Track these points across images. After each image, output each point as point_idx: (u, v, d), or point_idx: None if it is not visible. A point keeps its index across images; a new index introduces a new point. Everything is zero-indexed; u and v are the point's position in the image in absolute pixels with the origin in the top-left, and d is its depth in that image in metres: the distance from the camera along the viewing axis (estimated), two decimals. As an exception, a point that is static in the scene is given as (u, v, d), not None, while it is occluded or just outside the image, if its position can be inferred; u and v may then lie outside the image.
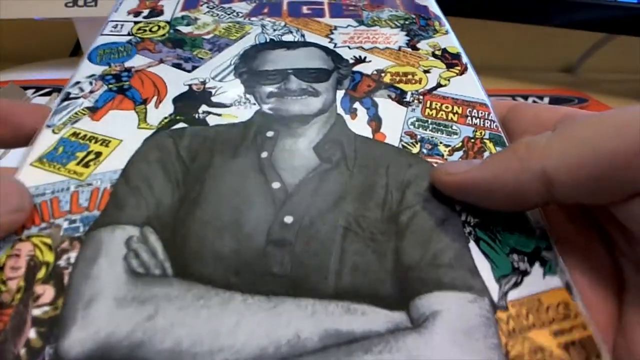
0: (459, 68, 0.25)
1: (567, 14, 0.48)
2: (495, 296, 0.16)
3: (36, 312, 0.15)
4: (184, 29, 0.27)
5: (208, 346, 0.14)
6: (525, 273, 0.17)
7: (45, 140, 0.20)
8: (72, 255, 0.16)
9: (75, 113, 0.21)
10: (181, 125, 0.21)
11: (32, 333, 0.14)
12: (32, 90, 0.45)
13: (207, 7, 0.29)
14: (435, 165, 0.20)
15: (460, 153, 0.20)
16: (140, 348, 0.14)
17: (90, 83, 0.23)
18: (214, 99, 0.22)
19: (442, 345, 0.15)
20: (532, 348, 0.15)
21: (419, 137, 0.21)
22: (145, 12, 0.29)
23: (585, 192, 0.15)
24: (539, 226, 0.18)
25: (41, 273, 0.16)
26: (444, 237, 0.17)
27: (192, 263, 0.16)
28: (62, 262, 0.16)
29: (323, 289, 0.16)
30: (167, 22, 0.28)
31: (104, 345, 0.14)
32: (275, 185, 0.19)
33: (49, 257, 0.16)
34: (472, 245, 0.17)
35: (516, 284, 0.16)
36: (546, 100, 0.54)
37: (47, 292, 0.15)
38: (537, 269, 0.17)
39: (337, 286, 0.16)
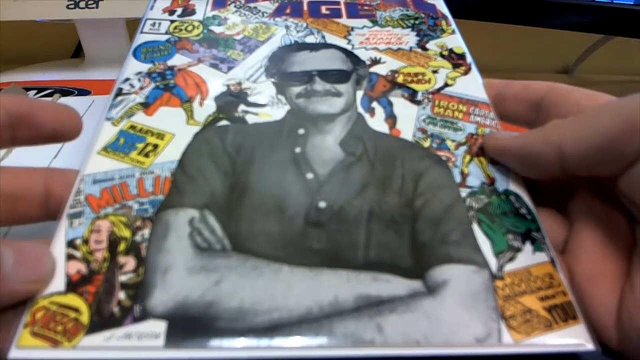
0: (464, 68, 0.28)
1: (564, 16, 0.48)
2: (494, 268, 0.20)
3: (122, 278, 0.18)
4: (216, 29, 0.30)
5: (267, 306, 0.18)
6: (518, 249, 0.20)
7: (107, 132, 0.23)
8: (146, 232, 0.19)
9: (130, 108, 0.24)
10: (224, 122, 0.24)
11: (121, 295, 0.18)
12: (34, 92, 0.46)
13: (235, 6, 0.32)
14: (443, 158, 0.23)
15: (465, 147, 0.24)
16: (211, 307, 0.17)
17: (139, 80, 0.26)
18: (250, 99, 0.25)
19: (451, 306, 0.18)
20: (523, 310, 0.19)
21: (429, 132, 0.24)
22: (179, 10, 0.31)
23: (590, 162, 0.19)
24: (531, 212, 0.22)
25: (122, 246, 0.19)
26: (451, 220, 0.21)
27: (245, 240, 0.19)
28: (138, 238, 0.19)
29: (354, 261, 0.19)
30: (200, 22, 0.30)
31: (182, 304, 0.17)
32: (309, 175, 0.22)
33: (127, 233, 0.19)
34: (475, 226, 0.21)
35: (511, 259, 0.20)
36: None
37: (129, 262, 0.19)
38: (528, 246, 0.20)
39: (366, 259, 0.19)
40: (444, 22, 0.32)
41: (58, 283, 0.18)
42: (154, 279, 0.18)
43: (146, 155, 0.22)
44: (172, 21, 0.30)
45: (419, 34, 0.31)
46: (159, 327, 0.17)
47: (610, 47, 0.57)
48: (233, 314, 0.17)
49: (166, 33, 0.29)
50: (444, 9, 0.34)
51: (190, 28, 0.30)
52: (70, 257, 0.18)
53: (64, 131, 0.21)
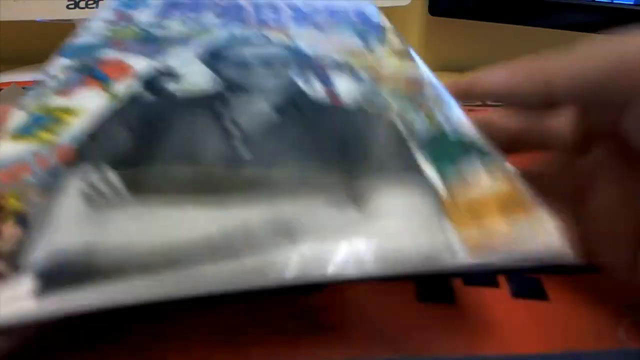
0: None
1: (564, 16, 0.48)
2: (440, 189, 0.17)
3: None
4: (157, 31, 0.29)
5: (159, 238, 0.15)
6: (468, 172, 0.18)
7: (17, 118, 0.21)
8: (38, 200, 0.17)
9: (44, 94, 0.22)
10: (146, 97, 0.22)
11: None
12: (34, 91, 0.47)
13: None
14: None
15: None
16: (95, 253, 0.14)
17: (62, 71, 0.24)
18: (176, 72, 0.24)
19: (395, 227, 0.15)
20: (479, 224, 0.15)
21: None
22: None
23: (586, 95, 0.18)
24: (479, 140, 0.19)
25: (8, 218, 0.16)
26: (387, 147, 0.18)
27: (150, 187, 0.17)
28: (28, 207, 0.16)
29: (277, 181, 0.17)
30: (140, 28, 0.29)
31: (59, 256, 0.15)
32: (231, 126, 0.19)
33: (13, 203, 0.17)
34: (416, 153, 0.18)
35: (461, 180, 0.17)
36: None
37: (14, 232, 0.16)
38: (479, 165, 0.18)
39: (293, 190, 0.17)
40: None
41: None
42: (33, 238, 0.15)
43: (55, 133, 0.20)
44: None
45: None
46: (27, 285, 0.14)
47: (610, 46, 0.56)
48: (120, 256, 0.14)
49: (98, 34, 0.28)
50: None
51: (127, 31, 0.29)
52: None
53: None
